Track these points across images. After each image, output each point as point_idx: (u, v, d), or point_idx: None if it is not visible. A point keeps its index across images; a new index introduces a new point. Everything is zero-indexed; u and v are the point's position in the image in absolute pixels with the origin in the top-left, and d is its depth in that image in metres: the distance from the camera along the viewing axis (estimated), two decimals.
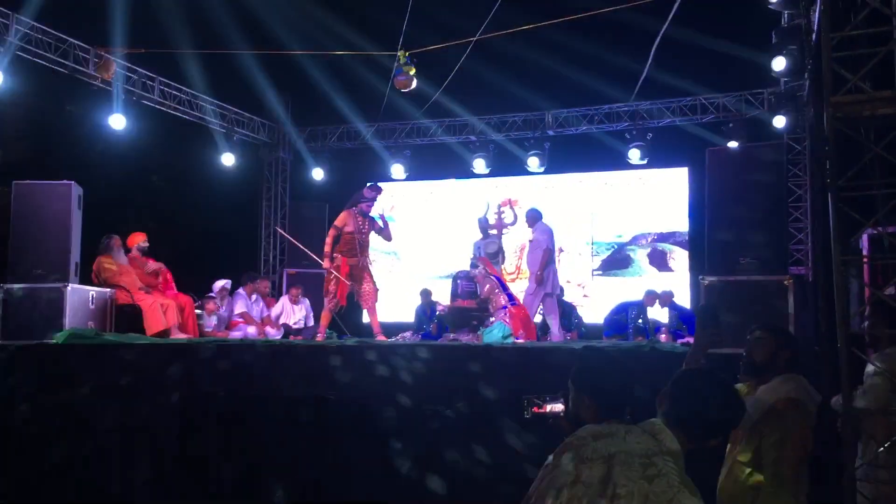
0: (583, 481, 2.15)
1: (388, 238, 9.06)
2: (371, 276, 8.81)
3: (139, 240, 9.07)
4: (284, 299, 11.07)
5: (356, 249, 8.57)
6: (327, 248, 8.58)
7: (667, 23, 8.85)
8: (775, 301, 6.36)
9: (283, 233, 10.78)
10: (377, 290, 8.85)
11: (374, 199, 8.84)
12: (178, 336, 8.38)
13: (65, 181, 8.05)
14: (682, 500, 2.07)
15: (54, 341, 7.19)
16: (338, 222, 8.67)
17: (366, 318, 9.42)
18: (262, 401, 6.13)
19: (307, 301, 11.18)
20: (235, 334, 9.84)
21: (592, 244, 13.23)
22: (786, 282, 6.41)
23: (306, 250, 10.15)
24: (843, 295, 4.41)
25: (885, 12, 4.54)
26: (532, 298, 9.33)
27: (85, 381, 6.70)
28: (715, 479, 3.53)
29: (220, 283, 10.33)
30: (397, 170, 13.40)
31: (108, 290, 8.35)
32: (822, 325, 5.37)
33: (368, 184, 9.08)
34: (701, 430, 2.30)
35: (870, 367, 4.24)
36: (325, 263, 8.58)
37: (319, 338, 8.63)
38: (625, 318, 10.10)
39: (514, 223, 11.44)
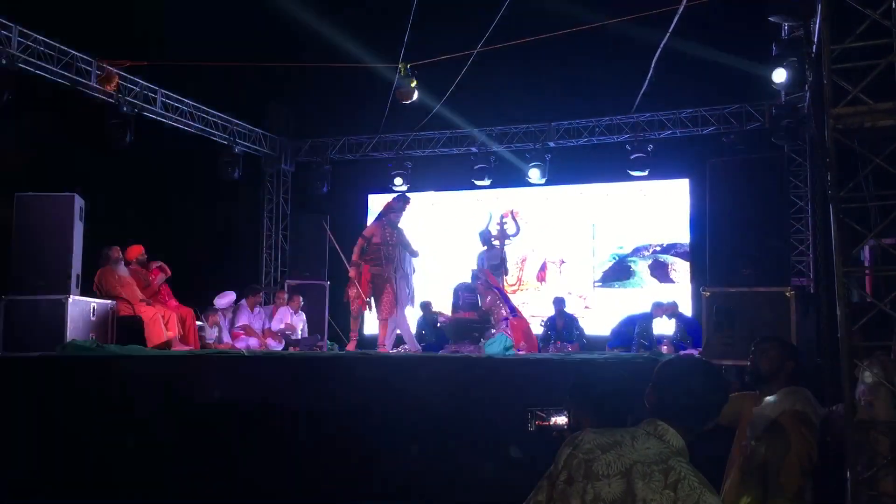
0: (603, 499, 2.10)
1: (413, 254, 9.25)
2: (393, 289, 8.82)
3: (137, 252, 9.08)
4: (286, 310, 11.04)
5: (381, 259, 8.73)
6: (354, 257, 8.82)
7: (667, 35, 8.88)
8: (777, 312, 6.35)
9: (330, 235, 10.83)
10: (396, 304, 8.91)
11: (402, 210, 9.04)
12: (180, 348, 8.37)
13: (67, 193, 8.06)
14: (707, 500, 2.04)
15: (56, 353, 7.18)
16: (366, 232, 8.94)
17: (374, 330, 9.48)
18: (264, 412, 6.12)
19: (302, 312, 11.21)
20: (237, 346, 9.82)
21: (594, 255, 13.22)
22: (788, 293, 6.40)
23: (342, 255, 10.17)
24: (846, 307, 4.40)
25: (885, 24, 4.54)
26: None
27: (86, 393, 6.70)
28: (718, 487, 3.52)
29: (222, 297, 10.30)
30: (398, 181, 13.42)
31: (110, 301, 8.35)
32: (825, 336, 5.36)
33: (396, 194, 9.22)
34: (692, 416, 2.25)
35: (866, 379, 4.21)
36: (352, 272, 8.72)
37: (350, 346, 8.87)
38: (632, 330, 10.10)
39: (516, 234, 11.43)
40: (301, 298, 11.19)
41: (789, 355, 3.54)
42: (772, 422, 3.32)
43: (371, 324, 11.06)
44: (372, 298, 8.83)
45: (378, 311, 8.83)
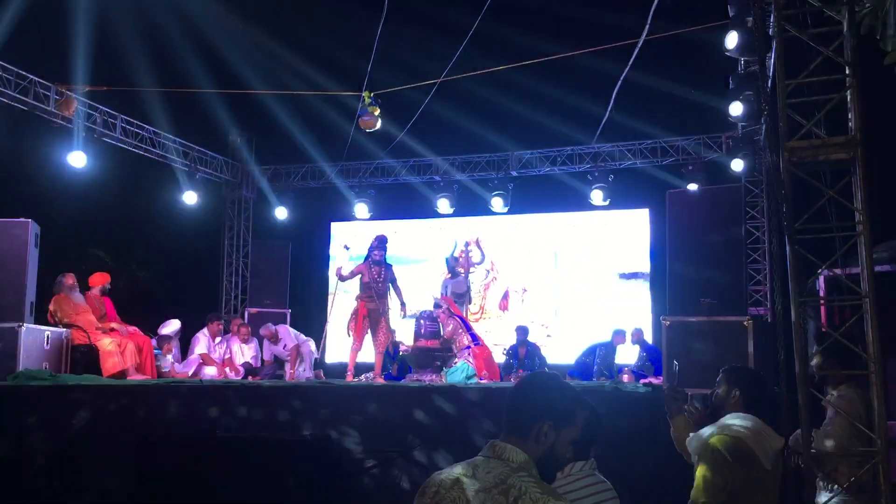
0: None
1: (400, 300, 9.39)
2: (387, 322, 9.18)
3: (103, 281, 8.92)
4: (234, 340, 10.73)
5: (374, 295, 9.02)
6: (346, 273, 9.27)
7: (627, 67, 9.05)
8: (735, 341, 6.43)
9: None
10: (391, 334, 9.43)
11: (382, 248, 9.34)
12: (136, 377, 8.20)
13: (22, 219, 7.91)
14: None
15: (7, 382, 6.99)
16: (356, 269, 9.29)
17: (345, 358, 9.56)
18: (220, 442, 6.01)
19: (255, 340, 10.93)
20: (200, 375, 9.66)
21: (555, 284, 13.28)
22: (745, 322, 6.49)
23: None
24: (801, 336, 4.47)
25: (838, 60, 4.68)
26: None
27: (38, 424, 6.52)
28: None
29: (164, 325, 10.10)
30: (361, 209, 13.40)
31: (64, 330, 8.16)
32: (782, 365, 5.43)
33: (376, 235, 9.49)
34: (517, 424, 2.22)
35: (831, 410, 4.28)
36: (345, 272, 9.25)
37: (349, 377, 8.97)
38: (592, 360, 10.14)
39: (481, 262, 11.47)
40: (248, 328, 10.92)
41: (737, 384, 3.50)
42: (702, 444, 3.30)
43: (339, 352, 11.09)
44: (369, 331, 9.13)
45: (375, 344, 9.11)
